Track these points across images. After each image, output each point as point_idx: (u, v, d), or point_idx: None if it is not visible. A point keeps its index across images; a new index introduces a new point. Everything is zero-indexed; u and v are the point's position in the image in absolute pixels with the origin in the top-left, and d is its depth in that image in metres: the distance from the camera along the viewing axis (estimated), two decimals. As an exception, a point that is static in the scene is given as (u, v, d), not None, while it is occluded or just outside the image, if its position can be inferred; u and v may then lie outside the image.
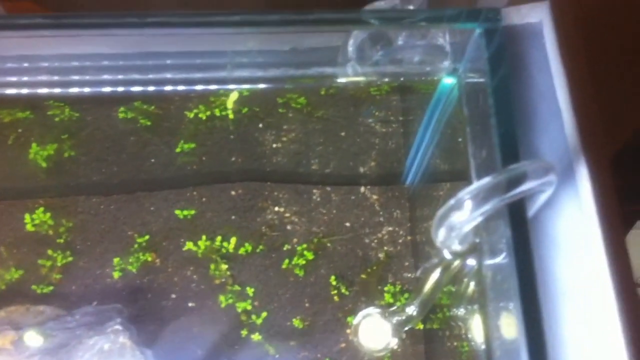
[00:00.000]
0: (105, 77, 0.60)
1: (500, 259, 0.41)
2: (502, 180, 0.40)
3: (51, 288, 0.62)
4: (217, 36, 0.55)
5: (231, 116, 0.67)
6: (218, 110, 0.67)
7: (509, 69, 0.42)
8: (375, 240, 0.67)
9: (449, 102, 0.51)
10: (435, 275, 0.51)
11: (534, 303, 0.38)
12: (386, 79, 0.54)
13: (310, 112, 0.68)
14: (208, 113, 0.67)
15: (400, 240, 0.67)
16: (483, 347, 0.44)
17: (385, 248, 0.67)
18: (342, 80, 0.55)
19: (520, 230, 0.39)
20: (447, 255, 0.46)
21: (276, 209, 0.66)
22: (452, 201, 0.41)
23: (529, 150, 0.49)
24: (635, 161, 1.01)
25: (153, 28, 0.52)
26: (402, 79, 0.49)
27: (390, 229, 0.67)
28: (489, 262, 0.43)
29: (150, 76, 0.60)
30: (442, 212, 0.41)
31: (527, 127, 0.50)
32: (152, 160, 0.66)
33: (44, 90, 0.59)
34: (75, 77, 0.60)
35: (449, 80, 0.49)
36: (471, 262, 0.46)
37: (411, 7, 0.48)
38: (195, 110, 0.67)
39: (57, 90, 0.59)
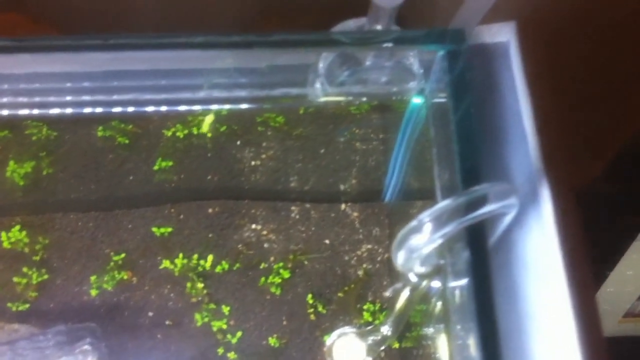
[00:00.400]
0: (85, 97, 0.61)
1: (461, 280, 0.41)
2: (462, 202, 0.40)
3: (27, 306, 0.62)
4: (193, 56, 0.55)
5: (209, 134, 0.67)
6: (196, 129, 0.67)
7: (472, 91, 0.41)
8: (355, 258, 0.67)
9: (418, 121, 0.51)
10: (405, 295, 0.51)
11: (492, 324, 0.37)
12: (358, 99, 0.54)
13: (289, 131, 0.68)
14: (186, 132, 0.67)
15: (379, 258, 0.67)
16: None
17: (364, 266, 0.66)
18: (316, 99, 0.55)
19: (479, 252, 0.38)
20: (412, 277, 0.46)
21: (253, 226, 0.66)
22: (411, 223, 0.40)
23: (500, 171, 0.48)
24: (632, 172, 1.00)
25: (128, 50, 0.53)
26: (367, 99, 0.49)
27: (370, 246, 0.67)
28: (451, 283, 0.43)
29: (129, 96, 0.60)
30: (402, 235, 0.41)
31: (499, 146, 0.50)
32: (130, 177, 0.67)
33: (24, 112, 0.60)
34: (54, 99, 0.61)
35: (417, 100, 0.49)
36: (436, 283, 0.45)
37: (379, 27, 0.47)
38: (173, 129, 0.67)
39: (36, 112, 0.59)
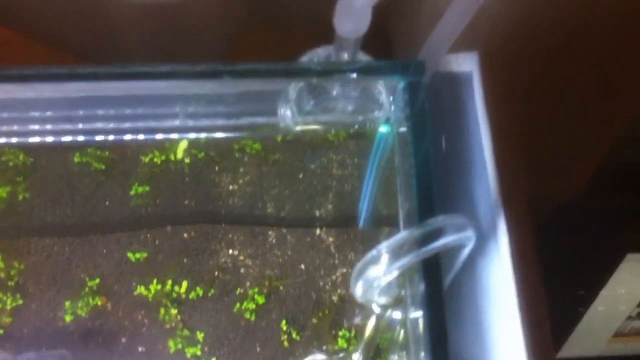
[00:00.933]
0: (62, 126, 0.61)
1: (417, 312, 0.40)
2: (419, 235, 0.40)
3: (0, 332, 0.62)
4: (169, 85, 0.55)
5: (187, 160, 0.67)
6: (173, 155, 0.67)
7: (430, 123, 0.42)
8: (329, 283, 0.66)
9: (385, 150, 0.51)
10: (372, 323, 0.51)
11: (444, 355, 0.37)
12: (329, 127, 0.55)
13: (266, 157, 0.68)
14: (163, 157, 0.67)
15: (355, 283, 0.66)
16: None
17: (339, 291, 0.66)
18: (289, 127, 0.55)
19: (433, 284, 0.38)
20: (375, 308, 0.46)
21: (230, 251, 0.66)
22: (369, 255, 0.40)
23: (464, 200, 0.48)
24: (615, 186, 1.00)
25: (106, 81, 0.53)
26: (336, 127, 0.49)
27: (345, 270, 0.67)
28: (410, 314, 0.43)
29: (106, 125, 0.61)
30: (359, 266, 0.41)
31: (464, 176, 0.50)
32: (106, 202, 0.67)
33: (1, 140, 0.60)
34: (32, 127, 0.61)
35: (383, 129, 0.50)
36: (397, 314, 0.45)
37: (345, 55, 0.48)
38: (150, 155, 0.67)
39: (14, 140, 0.60)
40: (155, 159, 0.66)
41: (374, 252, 0.40)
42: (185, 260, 0.65)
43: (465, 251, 0.42)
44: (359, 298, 0.42)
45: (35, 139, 0.56)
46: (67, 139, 0.56)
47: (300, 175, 0.69)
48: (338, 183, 0.69)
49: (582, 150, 0.85)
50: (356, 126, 0.50)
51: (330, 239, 0.68)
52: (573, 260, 0.97)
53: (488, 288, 0.47)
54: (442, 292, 0.40)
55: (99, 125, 0.56)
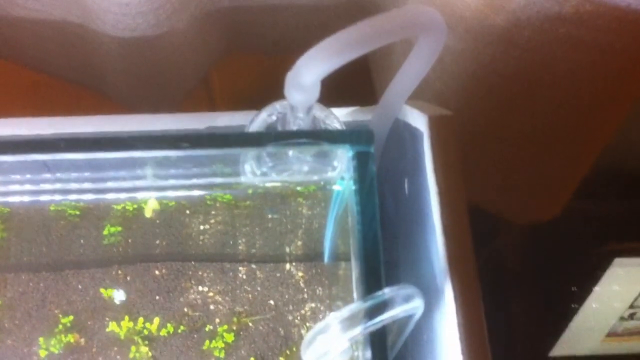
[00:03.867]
0: (41, 186, 0.63)
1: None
2: (367, 307, 0.42)
3: (-24, 367, 0.64)
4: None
5: (157, 207, 0.69)
6: (144, 204, 0.69)
7: (375, 192, 0.43)
8: (298, 317, 0.69)
9: (341, 206, 0.53)
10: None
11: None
12: (289, 185, 0.57)
13: (237, 204, 0.70)
14: (135, 206, 0.69)
15: (321, 316, 0.68)
16: None
17: (308, 324, 0.68)
18: (254, 185, 0.57)
19: (379, 351, 0.40)
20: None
21: (200, 288, 0.68)
22: (319, 325, 0.42)
23: (416, 264, 0.50)
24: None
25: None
26: (292, 186, 0.51)
27: (313, 305, 0.69)
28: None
29: (84, 186, 0.63)
30: (309, 336, 0.43)
31: (419, 220, 0.52)
32: (81, 241, 0.68)
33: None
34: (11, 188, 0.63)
35: (338, 188, 0.51)
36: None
37: (300, 115, 0.50)
38: (122, 204, 0.69)
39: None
40: (127, 207, 0.68)
41: (324, 322, 0.42)
42: (157, 297, 0.67)
43: (415, 318, 0.44)
44: (310, 366, 0.44)
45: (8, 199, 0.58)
46: (44, 198, 0.58)
47: (270, 215, 0.70)
48: (307, 221, 0.71)
49: (555, 179, 0.87)
50: (315, 184, 0.52)
51: (300, 274, 0.70)
52: (565, 261, 0.98)
53: (441, 338, 0.49)
54: (387, 356, 0.42)
55: (73, 186, 0.58)
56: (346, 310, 0.42)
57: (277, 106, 0.53)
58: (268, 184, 0.54)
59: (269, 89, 0.55)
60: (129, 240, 0.69)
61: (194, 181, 0.55)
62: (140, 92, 0.91)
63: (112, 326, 0.66)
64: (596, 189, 1.00)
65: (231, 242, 0.70)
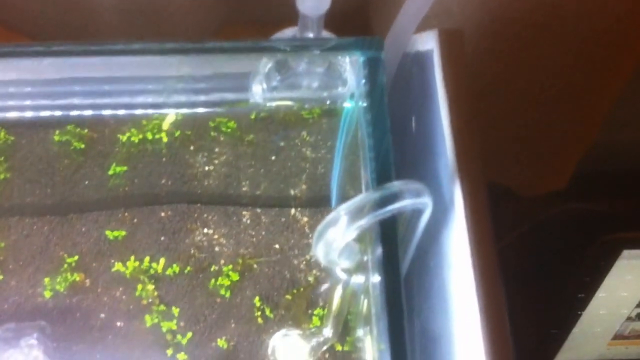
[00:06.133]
0: (43, 102, 0.63)
1: (376, 276, 0.42)
2: (377, 197, 0.42)
3: (-20, 307, 0.64)
4: (144, 62, 0.57)
5: (165, 139, 0.69)
6: (150, 134, 0.69)
7: (386, 94, 0.44)
8: (304, 262, 0.68)
9: (351, 125, 0.53)
10: (338, 293, 0.53)
11: (399, 322, 0.39)
12: (298, 103, 0.57)
13: (241, 136, 0.70)
14: (140, 136, 0.69)
15: (328, 262, 0.68)
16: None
17: (314, 271, 0.68)
18: (259, 103, 0.57)
19: (389, 248, 0.40)
20: (339, 273, 0.48)
21: (205, 230, 0.68)
22: (328, 217, 0.42)
23: (428, 174, 0.50)
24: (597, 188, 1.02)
25: (84, 57, 0.55)
26: (302, 104, 0.51)
27: (319, 251, 0.69)
28: (372, 279, 0.45)
29: (85, 101, 0.63)
30: (319, 229, 0.43)
31: (428, 153, 0.52)
32: (85, 182, 0.68)
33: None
34: (13, 103, 0.63)
35: (348, 105, 0.52)
36: (360, 279, 0.47)
37: (310, 34, 0.50)
38: (128, 134, 0.69)
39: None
40: (132, 138, 0.68)
41: (333, 214, 0.42)
42: (162, 239, 0.67)
43: (424, 218, 0.44)
44: (322, 261, 0.44)
45: (13, 114, 0.58)
46: (45, 114, 0.57)
47: (274, 157, 0.70)
48: (311, 165, 0.71)
49: (562, 144, 0.87)
50: (325, 102, 0.52)
51: (305, 219, 0.70)
52: (568, 260, 0.96)
53: (449, 259, 0.49)
54: (397, 255, 0.41)
55: (77, 101, 0.58)
56: (355, 202, 0.41)
57: (287, 31, 0.53)
58: (275, 104, 0.54)
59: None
60: (135, 181, 0.69)
61: (201, 98, 0.55)
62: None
63: (117, 266, 0.66)
64: (596, 189, 1.00)
65: (235, 184, 0.70)
